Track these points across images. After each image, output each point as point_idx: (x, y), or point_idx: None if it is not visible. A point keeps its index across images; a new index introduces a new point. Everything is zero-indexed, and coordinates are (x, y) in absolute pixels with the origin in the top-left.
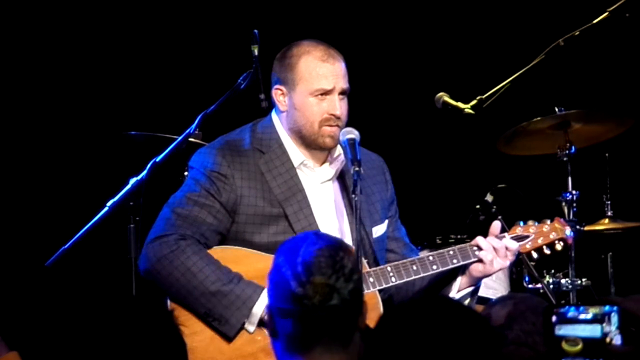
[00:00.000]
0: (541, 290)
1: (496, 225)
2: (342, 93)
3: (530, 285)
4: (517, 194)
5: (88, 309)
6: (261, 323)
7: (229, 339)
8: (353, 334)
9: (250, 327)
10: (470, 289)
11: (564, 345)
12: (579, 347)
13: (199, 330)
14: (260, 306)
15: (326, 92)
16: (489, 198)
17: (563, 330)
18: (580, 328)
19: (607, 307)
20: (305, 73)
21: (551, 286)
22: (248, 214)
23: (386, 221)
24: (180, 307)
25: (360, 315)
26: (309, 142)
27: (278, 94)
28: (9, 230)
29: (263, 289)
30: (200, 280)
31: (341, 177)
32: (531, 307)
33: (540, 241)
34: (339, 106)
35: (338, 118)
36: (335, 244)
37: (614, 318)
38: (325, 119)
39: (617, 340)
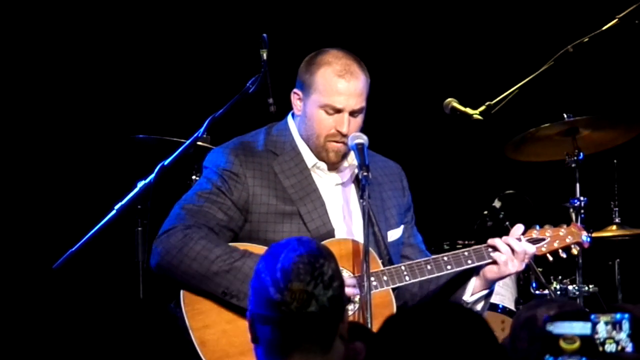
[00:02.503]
0: (548, 297)
1: (518, 227)
2: (352, 113)
3: (537, 292)
4: (525, 200)
5: (95, 312)
6: None
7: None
8: (333, 340)
9: None
10: (485, 292)
11: (562, 344)
12: (577, 344)
13: (211, 323)
14: None
15: (336, 110)
16: (497, 204)
17: (554, 326)
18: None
19: (618, 315)
20: (320, 85)
21: (558, 292)
22: (261, 212)
23: (402, 226)
24: (196, 295)
25: (341, 322)
26: (315, 153)
27: (295, 98)
28: (17, 232)
29: None
30: (212, 260)
31: (357, 180)
32: (577, 310)
33: (556, 244)
34: (347, 124)
35: (345, 135)
36: (316, 251)
37: (625, 325)
38: (332, 134)
39: (628, 347)
